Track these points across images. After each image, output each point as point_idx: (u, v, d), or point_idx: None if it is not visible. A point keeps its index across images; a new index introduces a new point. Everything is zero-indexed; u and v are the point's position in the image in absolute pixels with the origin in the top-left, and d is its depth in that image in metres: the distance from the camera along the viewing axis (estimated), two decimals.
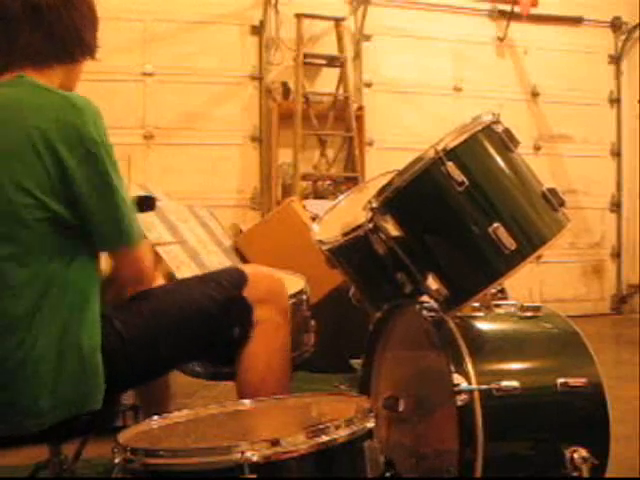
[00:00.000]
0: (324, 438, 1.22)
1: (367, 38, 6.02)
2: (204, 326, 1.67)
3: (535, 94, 6.50)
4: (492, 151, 1.76)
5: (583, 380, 1.74)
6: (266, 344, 1.70)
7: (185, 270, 3.47)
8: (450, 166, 1.70)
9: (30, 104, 1.48)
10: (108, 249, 1.57)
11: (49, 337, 1.45)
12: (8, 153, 1.44)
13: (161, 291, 1.73)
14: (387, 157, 5.74)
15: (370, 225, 1.84)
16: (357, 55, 6.01)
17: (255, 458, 1.16)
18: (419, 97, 6.12)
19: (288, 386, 1.72)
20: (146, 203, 2.08)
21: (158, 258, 3.19)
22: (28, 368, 1.44)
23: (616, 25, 6.71)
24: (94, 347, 1.50)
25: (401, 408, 1.85)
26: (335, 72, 5.74)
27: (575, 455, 1.67)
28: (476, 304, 1.88)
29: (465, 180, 1.70)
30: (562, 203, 1.79)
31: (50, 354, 1.45)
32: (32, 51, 1.55)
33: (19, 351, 1.44)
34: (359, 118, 5.77)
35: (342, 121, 5.69)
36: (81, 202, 1.46)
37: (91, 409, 1.50)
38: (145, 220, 1.98)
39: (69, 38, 1.58)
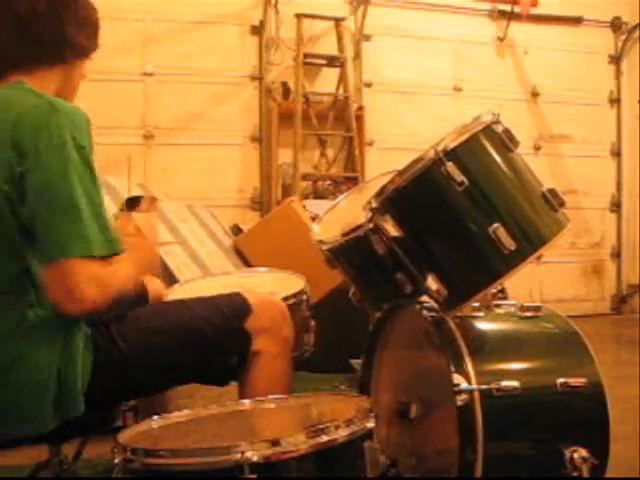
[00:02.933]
0: (324, 438, 1.22)
1: (367, 38, 6.02)
2: (199, 349, 1.66)
3: (535, 94, 6.50)
4: (492, 151, 1.76)
5: (583, 380, 1.74)
6: (267, 374, 1.69)
7: (185, 270, 3.47)
8: (450, 166, 1.70)
9: (13, 108, 1.46)
10: (43, 261, 1.41)
11: (34, 351, 1.44)
12: None
13: (162, 309, 1.73)
14: (387, 157, 5.74)
15: (370, 225, 1.84)
16: (357, 55, 6.02)
17: (255, 458, 1.16)
18: (419, 97, 6.12)
19: None
20: (131, 203, 2.06)
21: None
22: (15, 378, 1.44)
23: (616, 25, 6.71)
24: (76, 357, 1.49)
25: (413, 414, 1.84)
26: (335, 72, 5.74)
27: (575, 455, 1.67)
28: (476, 304, 1.88)
29: (465, 180, 1.70)
30: (562, 203, 1.79)
31: (39, 368, 1.44)
32: (19, 57, 1.54)
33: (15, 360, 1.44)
34: (359, 118, 5.77)
35: (342, 121, 5.69)
36: (29, 207, 1.40)
37: (74, 415, 1.48)
38: None
39: (55, 40, 1.56)
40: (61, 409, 1.47)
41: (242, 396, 1.69)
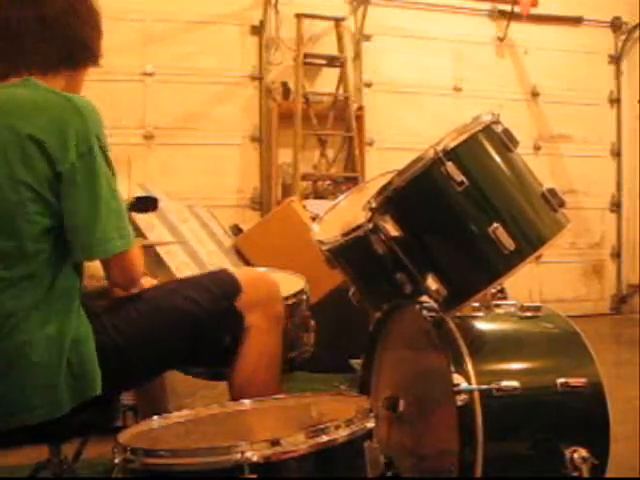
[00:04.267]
0: (324, 438, 1.22)
1: (367, 38, 6.02)
2: (191, 330, 1.67)
3: (535, 94, 6.49)
4: (492, 151, 1.76)
5: (583, 380, 1.74)
6: (256, 348, 1.72)
7: (185, 270, 3.47)
8: (450, 166, 1.70)
9: (30, 104, 1.50)
10: (91, 258, 1.54)
11: (44, 332, 1.46)
12: (6, 150, 1.46)
13: (151, 294, 1.73)
14: (387, 157, 5.74)
15: (370, 225, 1.84)
16: (357, 55, 6.01)
17: (255, 458, 1.17)
18: (419, 97, 6.12)
19: (276, 388, 1.73)
20: (148, 203, 2.08)
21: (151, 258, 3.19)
22: (22, 362, 1.45)
23: (616, 25, 6.70)
24: (87, 338, 1.52)
25: (401, 408, 1.85)
26: (335, 72, 5.73)
27: (575, 455, 1.67)
28: (476, 304, 1.88)
29: (465, 180, 1.70)
30: (562, 204, 1.79)
31: (47, 350, 1.46)
32: (39, 58, 1.57)
33: (13, 345, 1.45)
34: (359, 118, 5.76)
35: (342, 121, 5.68)
36: (67, 206, 1.47)
37: (90, 396, 1.50)
38: (145, 220, 1.99)
39: (75, 46, 1.60)
40: (76, 388, 1.48)
41: (233, 371, 1.71)
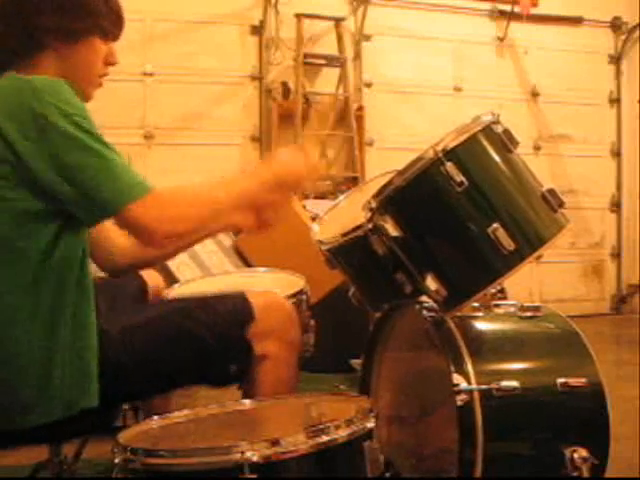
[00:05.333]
0: (324, 438, 1.22)
1: (367, 38, 6.02)
2: (199, 356, 1.64)
3: (535, 94, 6.50)
4: (491, 151, 1.76)
5: (583, 380, 1.74)
6: (273, 378, 1.67)
7: (185, 270, 3.47)
8: (449, 166, 1.70)
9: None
10: (99, 220, 1.48)
11: (37, 334, 1.45)
12: None
13: (161, 312, 1.71)
14: (387, 157, 5.74)
15: (370, 225, 1.84)
16: (357, 55, 6.01)
17: (255, 458, 1.16)
18: (419, 97, 6.12)
19: None
20: None
21: None
22: (14, 363, 1.44)
23: (616, 25, 6.71)
24: (89, 345, 1.50)
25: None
26: (335, 72, 5.74)
27: (575, 455, 1.67)
28: (476, 304, 1.88)
29: (464, 180, 1.70)
30: (561, 204, 1.79)
31: (38, 351, 1.45)
32: (4, 55, 1.55)
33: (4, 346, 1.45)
34: (359, 118, 5.77)
35: (342, 121, 5.69)
36: (45, 184, 1.40)
37: (86, 406, 1.49)
38: None
39: (24, 29, 1.54)
40: (71, 397, 1.47)
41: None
